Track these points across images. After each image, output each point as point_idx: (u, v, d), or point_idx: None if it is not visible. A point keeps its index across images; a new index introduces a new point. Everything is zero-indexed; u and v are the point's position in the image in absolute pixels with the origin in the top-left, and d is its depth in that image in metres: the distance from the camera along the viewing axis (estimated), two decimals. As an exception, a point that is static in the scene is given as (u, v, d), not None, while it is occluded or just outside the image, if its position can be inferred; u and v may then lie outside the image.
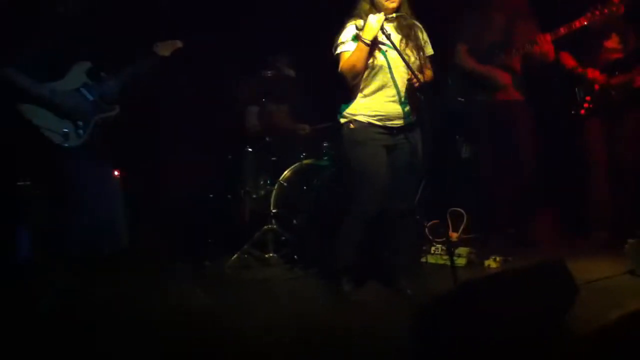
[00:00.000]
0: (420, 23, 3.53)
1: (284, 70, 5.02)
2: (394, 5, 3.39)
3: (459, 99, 4.58)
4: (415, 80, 3.30)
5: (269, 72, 4.78)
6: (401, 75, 3.39)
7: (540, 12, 4.56)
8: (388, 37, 3.34)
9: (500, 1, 4.54)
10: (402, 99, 3.40)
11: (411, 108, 3.41)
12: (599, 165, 4.54)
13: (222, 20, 4.98)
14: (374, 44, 3.35)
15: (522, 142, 4.55)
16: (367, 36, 3.31)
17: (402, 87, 3.40)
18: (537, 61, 4.38)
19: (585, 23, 4.16)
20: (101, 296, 3.50)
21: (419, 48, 3.44)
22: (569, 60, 4.56)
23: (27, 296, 3.34)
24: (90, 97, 3.75)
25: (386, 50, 3.38)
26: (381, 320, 3.14)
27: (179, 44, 3.98)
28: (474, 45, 4.53)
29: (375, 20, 3.31)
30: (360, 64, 3.36)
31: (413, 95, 3.37)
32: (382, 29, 3.32)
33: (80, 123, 3.67)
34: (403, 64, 3.33)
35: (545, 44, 4.26)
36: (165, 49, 3.93)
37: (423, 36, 3.51)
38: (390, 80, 3.39)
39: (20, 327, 3.06)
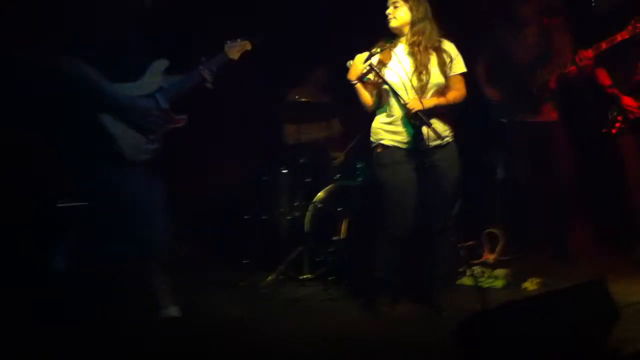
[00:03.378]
0: (450, 40, 3.49)
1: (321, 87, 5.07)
2: (392, 25, 3.40)
3: (502, 120, 4.56)
4: (406, 104, 3.30)
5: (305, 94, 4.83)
6: (407, 99, 3.35)
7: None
8: (377, 73, 3.35)
9: (533, 15, 4.51)
10: (411, 123, 3.37)
11: (425, 130, 3.34)
12: (634, 180, 4.46)
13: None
14: (368, 74, 3.39)
15: (558, 163, 4.52)
16: (351, 77, 3.40)
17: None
18: (576, 78, 4.34)
19: (627, 37, 4.09)
20: (132, 306, 3.54)
21: (428, 72, 3.37)
22: (605, 80, 4.50)
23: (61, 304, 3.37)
24: (164, 106, 3.31)
25: (388, 74, 3.38)
26: (417, 339, 3.13)
27: (248, 45, 3.55)
28: (499, 60, 4.52)
29: (358, 60, 3.36)
30: (361, 98, 3.46)
31: (414, 118, 3.33)
32: (371, 66, 3.35)
33: (151, 137, 3.26)
34: (413, 87, 3.34)
35: (585, 61, 4.21)
36: (234, 51, 3.50)
37: (450, 54, 3.45)
38: (399, 103, 3.39)
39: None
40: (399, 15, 3.37)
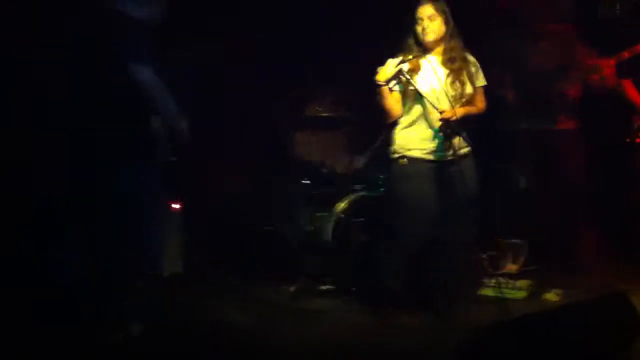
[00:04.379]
0: (471, 54, 3.53)
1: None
2: (430, 38, 3.38)
3: (521, 127, 4.52)
4: (442, 112, 3.30)
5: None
6: (441, 108, 3.36)
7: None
8: (407, 80, 3.34)
9: (551, 24, 4.48)
10: (443, 132, 3.38)
11: (453, 140, 3.38)
12: None
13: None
14: (397, 78, 3.37)
15: (574, 172, 4.46)
16: (380, 78, 3.35)
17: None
18: (596, 87, 4.30)
19: None
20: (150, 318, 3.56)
21: (462, 82, 3.41)
22: (632, 90, 4.45)
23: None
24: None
25: (419, 83, 3.38)
26: (431, 350, 3.14)
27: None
28: (516, 70, 4.49)
29: (391, 64, 3.34)
30: (385, 103, 3.41)
31: (447, 128, 3.35)
32: (400, 71, 3.33)
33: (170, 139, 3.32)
34: (439, 97, 3.35)
35: (607, 69, 4.18)
36: None
37: (473, 68, 3.49)
38: (430, 113, 3.39)
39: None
40: (436, 28, 3.37)
